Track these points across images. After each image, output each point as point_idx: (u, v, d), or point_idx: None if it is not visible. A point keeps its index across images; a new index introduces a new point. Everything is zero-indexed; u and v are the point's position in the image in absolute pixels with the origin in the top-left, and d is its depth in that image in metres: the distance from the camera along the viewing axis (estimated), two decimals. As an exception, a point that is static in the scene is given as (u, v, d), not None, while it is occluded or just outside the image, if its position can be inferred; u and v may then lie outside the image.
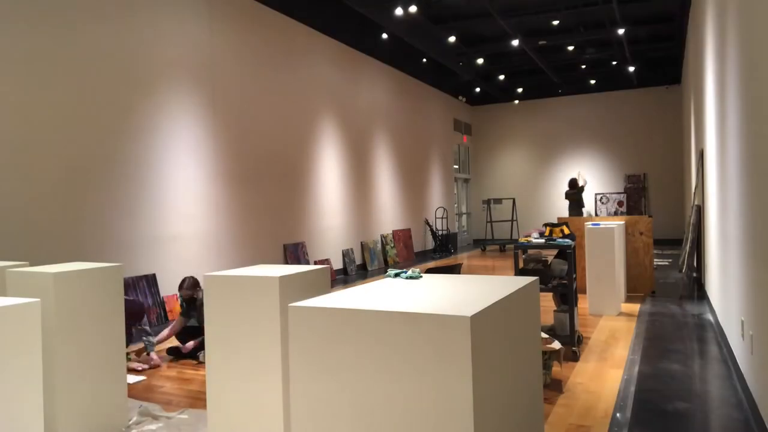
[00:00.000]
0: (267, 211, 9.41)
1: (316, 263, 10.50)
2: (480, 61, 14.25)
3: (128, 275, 6.95)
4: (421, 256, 14.95)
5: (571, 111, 18.34)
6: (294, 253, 9.88)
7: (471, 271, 11.92)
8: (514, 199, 17.07)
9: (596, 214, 18.07)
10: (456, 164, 18.62)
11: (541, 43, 13.19)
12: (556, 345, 4.36)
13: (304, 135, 10.48)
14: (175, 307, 7.49)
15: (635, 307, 7.31)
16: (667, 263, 11.85)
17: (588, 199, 17.69)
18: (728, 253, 4.99)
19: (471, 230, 19.72)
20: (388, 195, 13.81)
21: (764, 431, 3.28)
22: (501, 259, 14.00)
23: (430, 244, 16.02)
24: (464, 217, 19.46)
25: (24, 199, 5.83)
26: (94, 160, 6.58)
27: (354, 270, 11.68)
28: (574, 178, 14.99)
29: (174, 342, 5.77)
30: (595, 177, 18.02)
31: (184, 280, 5.73)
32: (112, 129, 6.81)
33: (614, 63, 15.41)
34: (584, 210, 15.38)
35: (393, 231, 14.12)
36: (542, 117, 18.77)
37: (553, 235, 5.44)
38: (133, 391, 4.50)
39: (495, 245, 17.70)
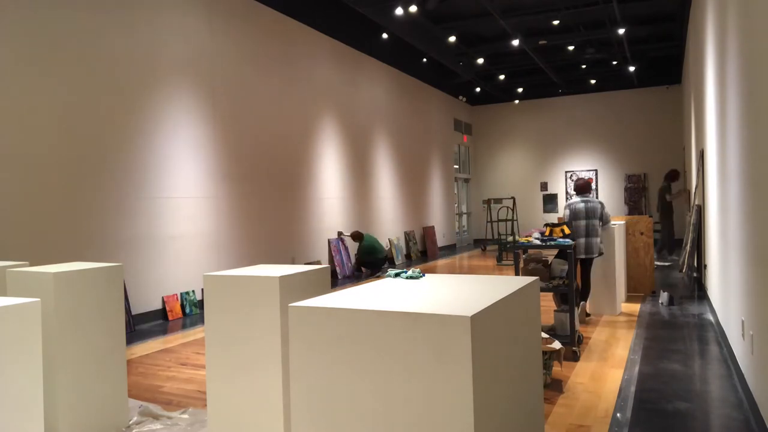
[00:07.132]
0: (266, 211, 9.41)
1: (318, 263, 10.49)
2: (480, 61, 14.25)
3: (128, 275, 6.94)
4: (424, 256, 14.96)
5: (571, 111, 18.33)
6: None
7: (471, 271, 11.91)
8: (514, 199, 17.06)
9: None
10: (456, 164, 18.61)
11: (541, 43, 13.18)
12: (557, 345, 4.35)
13: (304, 135, 10.47)
14: (175, 307, 7.49)
15: (635, 307, 7.31)
16: (667, 264, 11.84)
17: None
18: (728, 253, 4.99)
19: (471, 230, 19.71)
20: (388, 195, 13.80)
21: (764, 431, 3.28)
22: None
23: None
24: (464, 217, 19.45)
25: (24, 199, 5.83)
26: (94, 160, 6.58)
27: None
28: (675, 170, 12.19)
29: None
30: (595, 176, 18.02)
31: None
32: (113, 129, 6.81)
33: (614, 63, 15.41)
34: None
35: (423, 227, 15.14)
36: (542, 117, 18.77)
37: (554, 235, 5.44)
38: (134, 391, 4.50)
39: (495, 245, 17.69)
